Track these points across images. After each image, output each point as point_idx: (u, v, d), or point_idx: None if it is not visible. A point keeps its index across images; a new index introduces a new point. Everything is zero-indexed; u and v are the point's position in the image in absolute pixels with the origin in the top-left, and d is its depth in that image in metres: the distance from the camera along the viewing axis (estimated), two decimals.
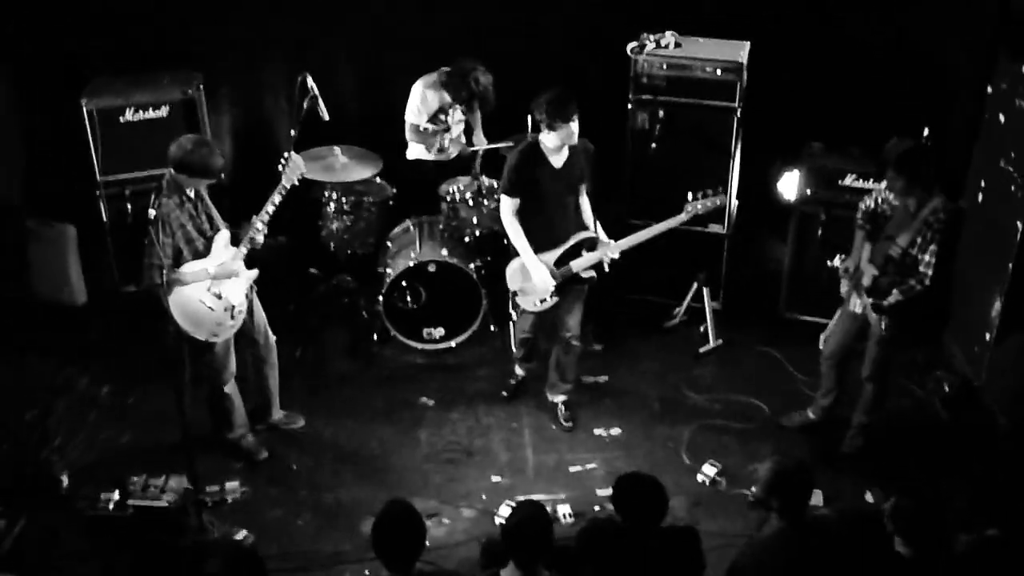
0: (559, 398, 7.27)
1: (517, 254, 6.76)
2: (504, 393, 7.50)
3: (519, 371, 7.52)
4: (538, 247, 6.70)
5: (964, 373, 7.48)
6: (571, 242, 6.74)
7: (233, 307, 6.45)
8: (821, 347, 6.95)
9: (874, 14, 8.02)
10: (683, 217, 6.78)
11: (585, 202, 6.82)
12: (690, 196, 6.77)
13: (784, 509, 5.03)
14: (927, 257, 6.25)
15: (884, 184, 6.48)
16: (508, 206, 6.68)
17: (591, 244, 6.78)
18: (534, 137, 6.64)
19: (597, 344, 7.91)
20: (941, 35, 7.94)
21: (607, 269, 6.85)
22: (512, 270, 6.91)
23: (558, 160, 6.60)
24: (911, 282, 6.30)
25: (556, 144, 6.51)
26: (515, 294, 6.99)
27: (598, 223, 6.81)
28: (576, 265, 6.75)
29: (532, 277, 6.72)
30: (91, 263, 8.26)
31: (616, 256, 6.79)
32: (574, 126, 6.45)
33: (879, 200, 6.54)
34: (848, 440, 6.95)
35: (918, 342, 7.63)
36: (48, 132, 8.24)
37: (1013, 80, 6.98)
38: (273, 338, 6.91)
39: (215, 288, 6.37)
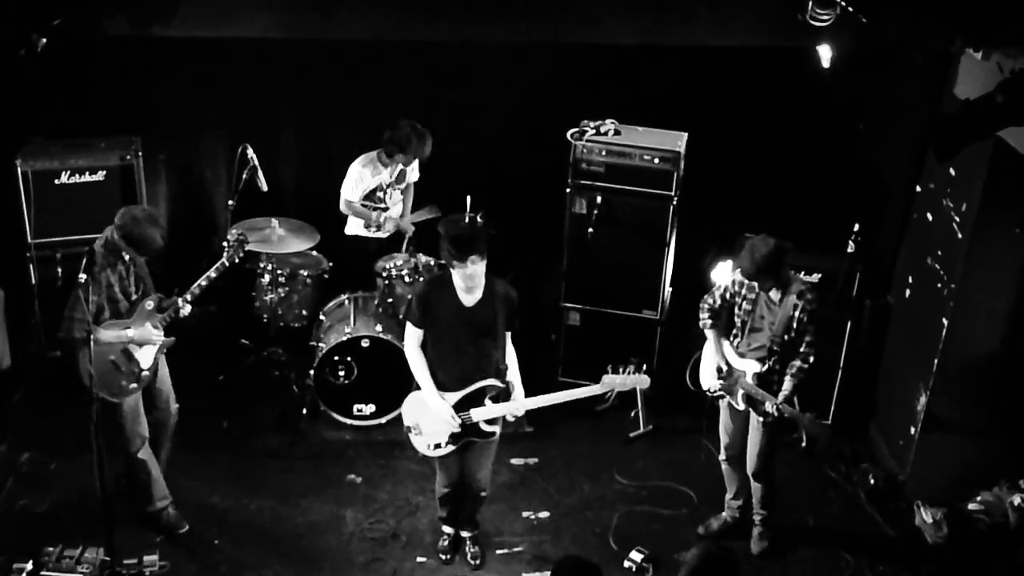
0: (465, 533, 6.83)
1: (418, 387, 6.32)
2: None
3: (446, 528, 6.84)
4: (438, 386, 6.19)
5: (889, 467, 7.56)
6: (474, 387, 6.17)
7: (141, 370, 6.41)
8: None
9: (809, 114, 8.21)
10: (597, 389, 6.32)
11: (510, 353, 6.30)
12: (609, 369, 6.60)
13: None
14: (808, 338, 6.32)
15: (728, 278, 6.60)
16: (412, 336, 6.21)
17: (498, 395, 6.25)
18: (447, 271, 6.13)
19: (528, 426, 7.89)
20: (873, 135, 8.16)
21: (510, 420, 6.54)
22: (410, 403, 6.42)
23: (469, 299, 6.07)
24: (798, 363, 6.36)
25: (460, 284, 6.01)
26: (409, 430, 6.43)
27: (517, 376, 6.31)
28: (477, 414, 6.18)
29: (431, 411, 6.20)
30: (18, 327, 8.10)
31: (520, 414, 6.42)
32: (477, 268, 5.90)
33: (727, 295, 6.59)
34: (756, 541, 6.90)
35: (846, 434, 7.76)
36: None
37: (940, 181, 7.18)
38: (175, 407, 6.80)
39: (129, 348, 6.34)
